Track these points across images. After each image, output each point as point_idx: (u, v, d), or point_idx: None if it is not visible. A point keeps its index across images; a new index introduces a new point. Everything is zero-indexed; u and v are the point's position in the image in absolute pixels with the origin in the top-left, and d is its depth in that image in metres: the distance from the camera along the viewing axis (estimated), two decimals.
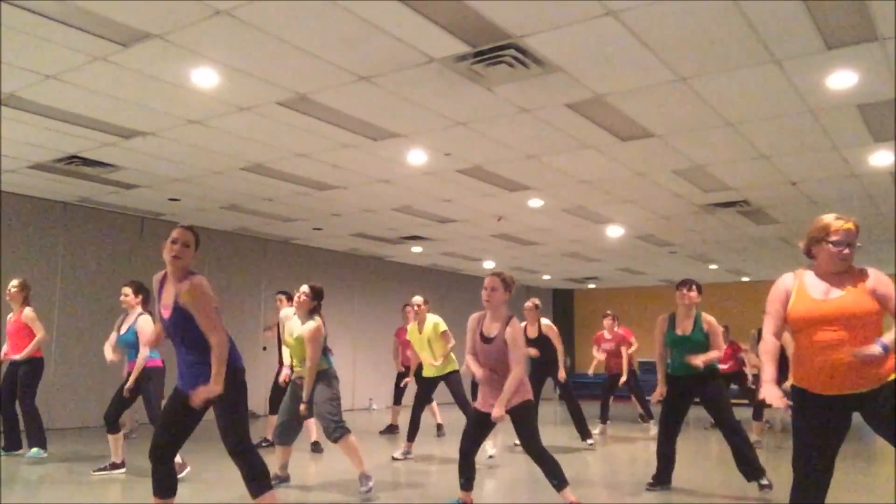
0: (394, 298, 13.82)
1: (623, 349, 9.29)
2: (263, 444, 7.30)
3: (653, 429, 8.96)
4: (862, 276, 3.13)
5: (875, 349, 2.96)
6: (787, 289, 3.24)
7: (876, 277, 3.14)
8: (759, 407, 8.02)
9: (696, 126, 6.05)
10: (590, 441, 7.88)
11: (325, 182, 8.09)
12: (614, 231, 10.87)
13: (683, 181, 7.87)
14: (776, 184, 7.89)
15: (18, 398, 6.61)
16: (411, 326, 7.18)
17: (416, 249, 12.97)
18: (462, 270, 15.85)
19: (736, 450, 5.20)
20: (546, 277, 16.90)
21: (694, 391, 5.34)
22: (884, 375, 3.04)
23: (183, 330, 3.42)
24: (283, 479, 5.46)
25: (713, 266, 14.55)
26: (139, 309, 5.86)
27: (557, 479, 4.25)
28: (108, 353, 5.95)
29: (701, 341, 5.31)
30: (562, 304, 19.06)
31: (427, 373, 7.05)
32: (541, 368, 7.84)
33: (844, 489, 3.37)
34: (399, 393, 9.12)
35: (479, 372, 4.42)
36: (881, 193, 8.24)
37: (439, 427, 9.02)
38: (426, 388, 7.11)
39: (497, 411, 4.20)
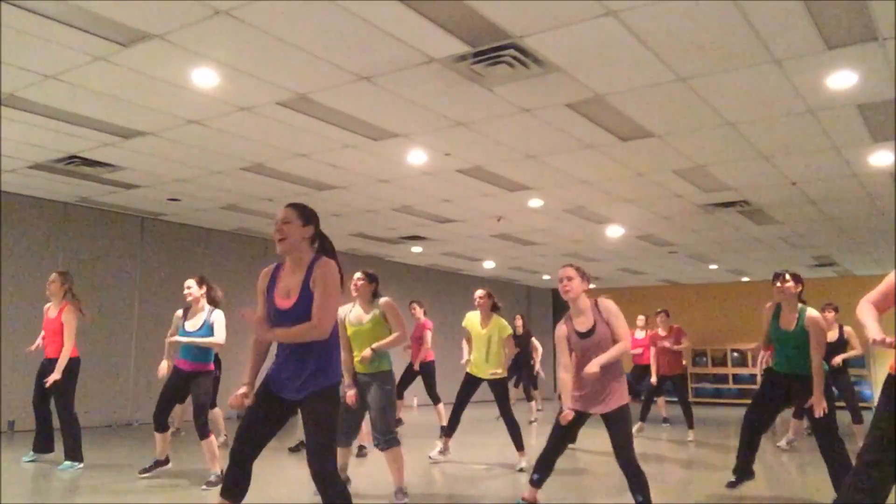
0: (393, 298, 13.78)
1: (685, 341, 9.20)
2: (300, 448, 7.23)
3: (691, 435, 8.92)
4: None
5: None
6: None
7: None
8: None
9: (696, 126, 6.05)
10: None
11: (325, 182, 8.09)
12: (614, 231, 10.87)
13: (683, 181, 7.86)
14: (776, 184, 7.89)
15: (56, 405, 6.20)
16: (473, 315, 6.80)
17: (416, 249, 12.96)
18: (462, 270, 15.85)
19: (829, 465, 4.73)
20: (546, 277, 16.90)
21: (793, 392, 4.91)
22: None
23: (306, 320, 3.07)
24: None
25: (713, 266, 14.55)
26: (206, 303, 5.66)
27: (643, 495, 3.98)
28: (163, 366, 5.65)
29: (802, 339, 4.83)
30: (562, 304, 18.96)
31: (475, 371, 6.71)
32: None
33: None
34: (401, 388, 9.03)
35: (565, 402, 4.20)
36: (881, 193, 8.24)
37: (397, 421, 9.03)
38: (470, 387, 6.75)
39: (592, 367, 3.99)
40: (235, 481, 3.10)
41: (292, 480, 5.58)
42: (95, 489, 5.43)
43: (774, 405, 5.08)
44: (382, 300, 5.09)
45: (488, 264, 14.77)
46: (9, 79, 5.15)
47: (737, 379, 16.13)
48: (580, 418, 4.20)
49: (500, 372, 6.57)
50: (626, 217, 9.91)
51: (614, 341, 4.14)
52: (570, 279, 4.22)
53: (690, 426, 8.97)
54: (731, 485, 5.21)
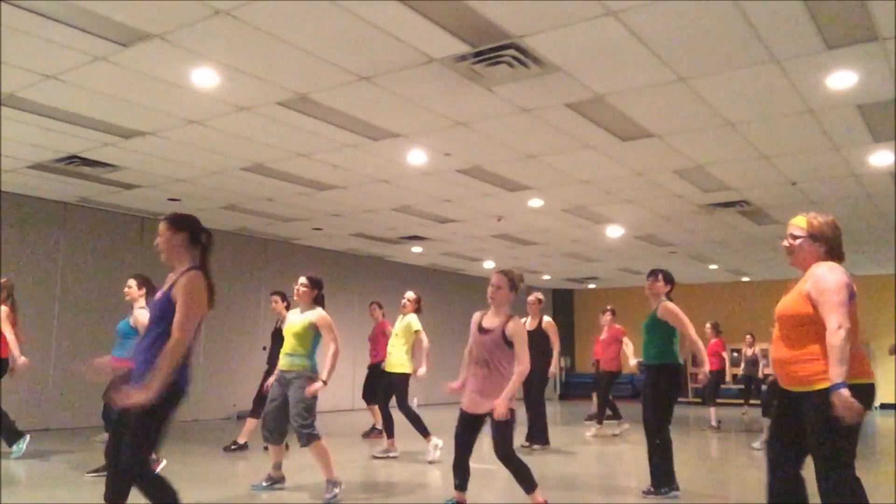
0: (394, 298, 13.82)
1: (624, 341, 9.47)
2: (233, 448, 7.27)
3: (594, 430, 9.36)
4: (809, 276, 3.10)
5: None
6: None
7: (814, 277, 3.04)
8: (768, 405, 8.03)
9: (696, 126, 6.05)
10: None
11: (325, 182, 8.09)
12: (614, 231, 10.87)
13: (683, 181, 7.86)
14: (776, 184, 7.89)
15: None
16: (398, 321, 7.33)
17: (416, 249, 12.96)
18: (462, 270, 15.84)
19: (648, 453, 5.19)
20: (546, 277, 16.90)
21: (649, 381, 5.27)
22: (805, 379, 2.97)
23: (160, 320, 3.16)
24: (276, 479, 5.33)
25: (713, 266, 14.55)
26: (142, 302, 5.69)
27: (527, 482, 4.24)
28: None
29: (652, 327, 5.27)
30: (562, 304, 19.03)
31: (386, 367, 7.16)
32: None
33: None
34: (369, 391, 8.62)
35: (460, 377, 4.46)
36: (881, 193, 8.24)
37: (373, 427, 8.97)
38: (388, 383, 7.19)
39: (500, 410, 4.13)
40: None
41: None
42: (86, 487, 5.43)
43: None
44: (319, 314, 5.14)
45: (488, 264, 14.77)
46: (9, 79, 5.15)
47: (737, 379, 16.10)
48: (473, 420, 4.36)
49: (399, 367, 6.95)
50: (626, 217, 9.91)
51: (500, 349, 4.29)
52: (498, 288, 4.40)
53: (600, 422, 9.43)
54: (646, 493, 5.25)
